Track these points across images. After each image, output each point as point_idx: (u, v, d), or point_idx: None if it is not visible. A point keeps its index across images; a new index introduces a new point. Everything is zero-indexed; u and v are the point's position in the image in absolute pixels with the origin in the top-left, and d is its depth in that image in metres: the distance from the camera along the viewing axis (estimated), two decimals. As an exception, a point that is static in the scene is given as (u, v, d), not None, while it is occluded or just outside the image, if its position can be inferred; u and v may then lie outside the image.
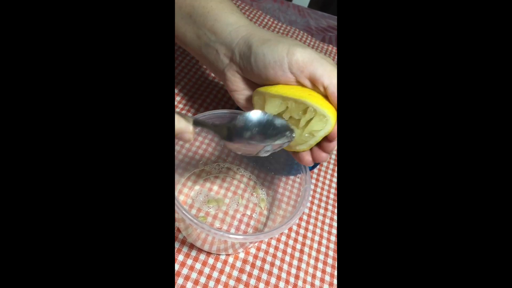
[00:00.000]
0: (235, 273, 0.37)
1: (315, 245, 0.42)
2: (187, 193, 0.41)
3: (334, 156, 0.53)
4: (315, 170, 0.50)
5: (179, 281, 0.35)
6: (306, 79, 0.30)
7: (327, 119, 0.28)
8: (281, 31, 0.70)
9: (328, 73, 0.28)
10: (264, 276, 0.38)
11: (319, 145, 0.31)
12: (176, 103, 0.50)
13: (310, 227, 0.43)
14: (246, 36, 0.32)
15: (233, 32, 0.33)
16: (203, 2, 0.35)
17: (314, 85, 0.29)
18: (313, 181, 0.48)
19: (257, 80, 0.33)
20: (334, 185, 0.49)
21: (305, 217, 0.44)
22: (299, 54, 0.29)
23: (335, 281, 0.40)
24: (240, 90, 0.35)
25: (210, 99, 0.52)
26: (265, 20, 0.70)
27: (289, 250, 0.40)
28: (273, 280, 0.38)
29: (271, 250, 0.40)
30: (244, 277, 0.37)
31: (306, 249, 0.41)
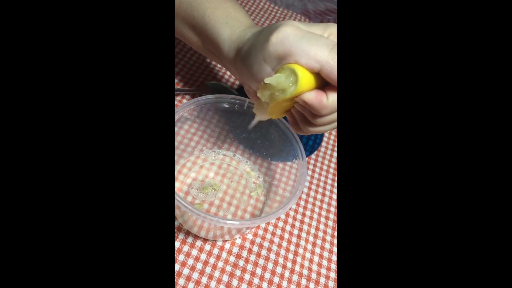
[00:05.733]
0: (232, 259, 0.37)
1: (312, 230, 0.42)
2: (182, 180, 0.41)
3: (332, 141, 0.52)
4: (312, 156, 0.49)
5: (175, 267, 0.35)
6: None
7: (295, 73, 0.25)
8: (277, 14, 0.68)
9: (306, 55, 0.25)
10: (261, 261, 0.38)
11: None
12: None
13: (308, 213, 0.43)
14: (238, 51, 0.31)
15: (232, 47, 0.32)
16: (201, 12, 0.34)
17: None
18: (311, 166, 0.48)
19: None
20: (332, 170, 0.49)
21: (302, 203, 0.44)
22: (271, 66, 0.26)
23: (332, 266, 0.40)
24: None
25: (207, 75, 0.52)
26: (261, 4, 0.69)
27: (286, 235, 0.40)
28: (270, 265, 0.38)
29: (268, 235, 0.40)
30: (241, 262, 0.37)
31: (303, 234, 0.41)
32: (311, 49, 0.24)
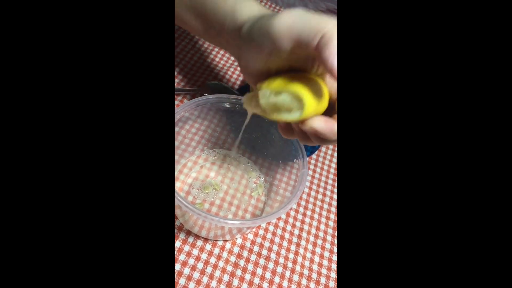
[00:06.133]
0: (232, 258, 0.37)
1: (313, 230, 0.42)
2: (183, 180, 0.41)
3: (332, 141, 0.52)
4: (313, 156, 0.49)
5: (176, 267, 0.35)
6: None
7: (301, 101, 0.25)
8: (278, 15, 0.68)
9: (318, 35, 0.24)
10: (262, 261, 0.38)
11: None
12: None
13: (308, 213, 0.43)
14: (241, 23, 0.31)
15: (234, 18, 0.32)
16: None
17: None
18: (312, 166, 0.48)
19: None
20: (333, 170, 0.49)
21: (302, 203, 0.44)
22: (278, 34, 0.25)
23: (333, 266, 0.40)
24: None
25: (208, 75, 0.52)
26: (262, 4, 0.69)
27: (286, 235, 0.40)
28: (270, 265, 0.38)
29: (269, 235, 0.40)
30: (242, 262, 0.37)
31: (304, 234, 0.41)
32: (313, 18, 0.24)
